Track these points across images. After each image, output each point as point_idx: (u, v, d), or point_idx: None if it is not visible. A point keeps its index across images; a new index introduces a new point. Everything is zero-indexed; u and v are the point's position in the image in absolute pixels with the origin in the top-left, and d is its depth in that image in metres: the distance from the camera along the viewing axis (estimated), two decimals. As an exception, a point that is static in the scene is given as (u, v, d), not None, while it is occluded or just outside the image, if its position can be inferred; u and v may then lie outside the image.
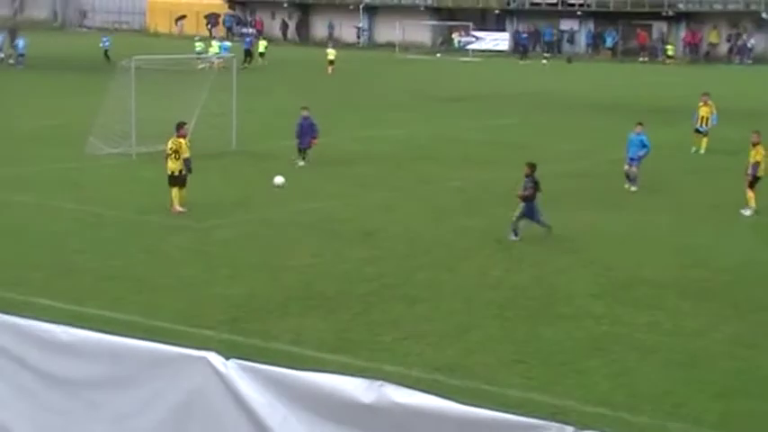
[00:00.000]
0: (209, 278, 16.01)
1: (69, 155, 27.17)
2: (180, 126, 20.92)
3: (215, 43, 62.43)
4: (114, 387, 7.22)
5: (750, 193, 21.66)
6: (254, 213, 20.80)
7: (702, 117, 30.06)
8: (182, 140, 20.55)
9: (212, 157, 25.70)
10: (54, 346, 7.43)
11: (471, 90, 50.63)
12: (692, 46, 76.20)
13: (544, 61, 72.70)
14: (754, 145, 22.01)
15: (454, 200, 22.54)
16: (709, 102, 30.18)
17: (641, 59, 74.85)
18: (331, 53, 59.37)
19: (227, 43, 62.57)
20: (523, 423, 5.75)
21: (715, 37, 75.56)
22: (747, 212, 21.36)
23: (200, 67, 38.55)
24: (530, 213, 18.61)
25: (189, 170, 20.56)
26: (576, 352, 12.84)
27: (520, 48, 76.57)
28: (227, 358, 6.92)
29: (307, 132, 26.27)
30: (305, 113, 26.56)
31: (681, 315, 14.43)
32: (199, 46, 59.66)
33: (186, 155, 20.46)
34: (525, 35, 78.48)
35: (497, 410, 6.07)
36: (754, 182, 21.75)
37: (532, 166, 18.89)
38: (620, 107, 43.65)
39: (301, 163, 26.24)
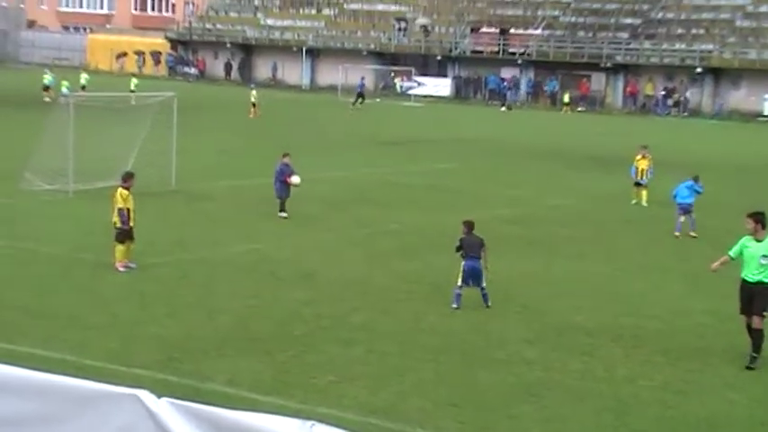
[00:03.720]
0: (144, 317, 15.87)
1: (3, 190, 26.85)
2: (126, 177, 19.26)
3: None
4: (43, 424, 7.12)
5: None
6: (192, 253, 20.70)
7: (641, 170, 30.44)
8: (120, 190, 18.88)
9: (151, 196, 25.55)
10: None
11: (412, 134, 51.04)
12: (630, 97, 77.70)
13: (503, 108, 73.56)
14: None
15: (392, 243, 22.65)
16: (648, 155, 30.59)
17: (580, 109, 76.13)
18: (254, 95, 57.65)
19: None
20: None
21: (650, 89, 77.15)
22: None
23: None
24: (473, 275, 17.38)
25: (123, 222, 18.69)
26: (508, 397, 12.93)
27: (500, 95, 77.46)
28: (160, 397, 6.88)
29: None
30: (286, 160, 25.46)
31: (613, 362, 14.61)
32: (133, 83, 59.81)
33: (119, 205, 18.79)
34: (505, 84, 79.26)
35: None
36: None
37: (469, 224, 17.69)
38: (559, 154, 44.30)
39: (284, 214, 24.99)
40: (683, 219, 25.60)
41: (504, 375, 13.75)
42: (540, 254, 22.34)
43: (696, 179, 26.45)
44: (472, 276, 17.20)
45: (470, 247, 17.32)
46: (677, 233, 25.37)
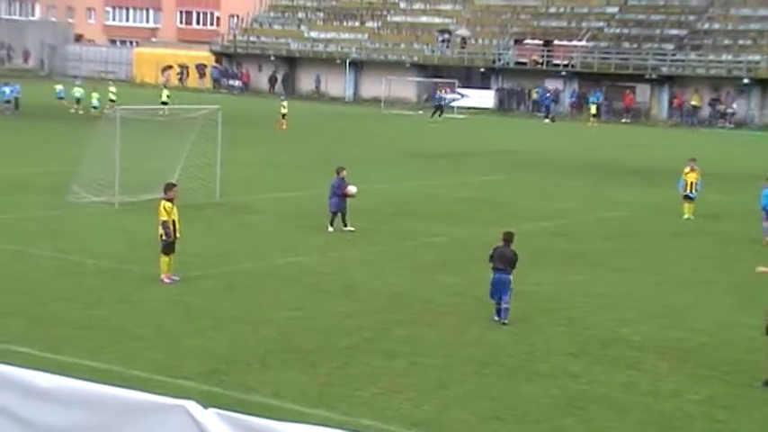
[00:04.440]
0: (189, 329, 16.00)
1: (51, 202, 27.21)
2: (167, 188, 19.26)
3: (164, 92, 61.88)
4: (91, 435, 7.21)
5: None
6: (236, 265, 20.83)
7: (690, 183, 29.95)
8: (164, 203, 18.98)
9: (196, 208, 25.77)
10: (33, 393, 7.44)
11: (455, 147, 51.00)
12: (677, 109, 77.06)
13: (546, 120, 73.31)
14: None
15: (435, 256, 22.64)
16: (696, 167, 30.16)
17: (624, 120, 75.65)
18: (283, 106, 56.98)
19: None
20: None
21: (697, 100, 76.47)
22: None
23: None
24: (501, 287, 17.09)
25: (167, 234, 18.82)
26: (552, 410, 12.88)
27: (544, 107, 77.16)
28: (206, 408, 6.94)
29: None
30: (342, 174, 25.30)
31: (658, 375, 14.50)
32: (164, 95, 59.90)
33: (164, 218, 18.84)
34: (549, 95, 78.90)
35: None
36: None
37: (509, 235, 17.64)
38: (603, 167, 44.05)
39: (350, 227, 25.05)
40: None
41: (548, 388, 13.69)
42: (585, 267, 22.23)
43: None
44: (497, 289, 17.05)
45: (499, 260, 17.19)
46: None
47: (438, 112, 70.54)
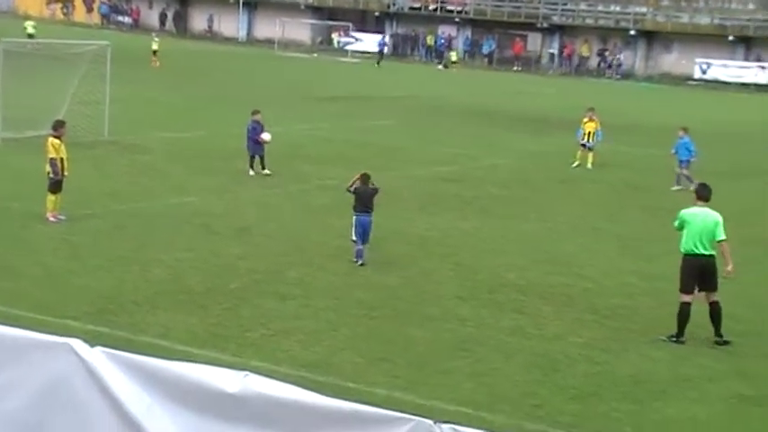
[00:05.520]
0: (77, 269, 15.75)
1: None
2: (57, 125, 18.92)
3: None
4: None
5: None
6: (125, 205, 20.52)
7: (588, 132, 30.45)
8: (52, 140, 18.53)
9: (84, 147, 25.23)
10: None
11: (349, 90, 50.88)
12: (567, 58, 78.16)
13: (440, 66, 73.49)
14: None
15: (327, 199, 22.65)
16: (595, 117, 30.64)
17: (515, 68, 76.47)
18: (156, 42, 55.57)
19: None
20: (385, 416, 5.90)
21: (586, 50, 77.69)
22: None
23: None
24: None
25: (54, 172, 18.35)
26: (440, 352, 13.11)
27: (438, 53, 77.15)
28: (93, 347, 6.88)
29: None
30: (257, 117, 25.10)
31: (543, 319, 14.86)
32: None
33: (52, 155, 18.42)
34: (444, 40, 78.96)
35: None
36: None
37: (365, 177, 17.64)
38: (495, 114, 44.52)
39: (266, 171, 24.78)
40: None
41: (437, 331, 13.92)
42: (476, 213, 22.54)
43: None
44: (363, 230, 17.10)
45: (362, 201, 17.24)
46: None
47: (380, 58, 70.72)
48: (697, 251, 14.05)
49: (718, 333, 14.09)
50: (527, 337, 14.00)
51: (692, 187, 26.16)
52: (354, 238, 17.22)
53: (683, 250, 14.18)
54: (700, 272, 14.12)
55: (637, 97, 60.98)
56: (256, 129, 24.88)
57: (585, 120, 30.50)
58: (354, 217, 17.23)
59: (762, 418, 11.59)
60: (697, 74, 72.74)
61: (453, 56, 74.84)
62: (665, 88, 68.31)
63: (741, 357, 13.66)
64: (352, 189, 17.46)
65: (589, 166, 30.02)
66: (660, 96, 62.10)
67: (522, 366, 12.79)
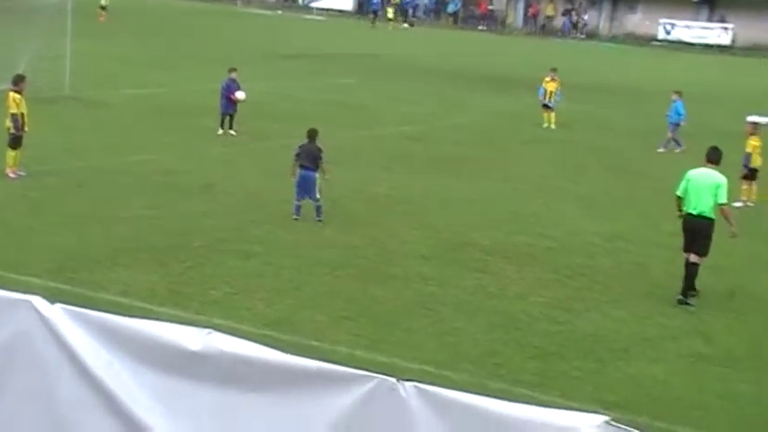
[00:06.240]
0: (37, 225, 15.59)
1: None
2: (18, 79, 18.62)
3: None
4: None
5: (744, 186, 20.97)
6: (87, 161, 20.31)
7: (549, 92, 30.53)
8: (12, 95, 18.31)
9: (44, 102, 24.89)
10: None
11: (313, 48, 50.55)
12: (532, 18, 78.09)
13: (405, 25, 73.05)
14: (749, 135, 21.45)
15: (290, 157, 22.51)
16: (556, 77, 30.73)
17: (480, 28, 76.31)
18: None
19: None
20: (348, 374, 5.90)
21: (551, 10, 77.64)
22: (738, 204, 19.82)
23: None
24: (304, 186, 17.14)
25: (15, 128, 18.23)
26: (403, 311, 13.14)
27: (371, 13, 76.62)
28: (53, 304, 6.81)
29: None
30: (233, 75, 24.73)
31: (505, 278, 14.93)
32: None
33: (13, 110, 18.24)
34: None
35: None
36: (749, 175, 21.13)
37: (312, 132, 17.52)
38: (459, 74, 44.44)
39: (232, 131, 24.60)
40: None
41: (400, 290, 13.95)
42: (440, 172, 22.54)
43: None
44: (304, 187, 17.11)
45: (306, 157, 17.21)
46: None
47: (373, 17, 70.73)
48: (690, 210, 14.18)
49: (683, 293, 14.22)
50: (489, 296, 14.06)
51: (678, 150, 26.53)
52: (295, 193, 17.17)
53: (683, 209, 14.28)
54: (690, 232, 14.24)
55: (601, 58, 61.10)
56: (231, 87, 24.64)
57: (547, 79, 30.62)
58: (298, 172, 17.16)
59: (719, 376, 11.75)
60: (661, 34, 72.97)
61: (390, 12, 74.30)
62: (629, 48, 68.49)
63: (700, 317, 13.81)
64: (297, 148, 17.41)
65: (552, 126, 30.17)
66: (624, 57, 62.27)
67: (484, 326, 12.85)
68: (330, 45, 53.80)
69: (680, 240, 14.57)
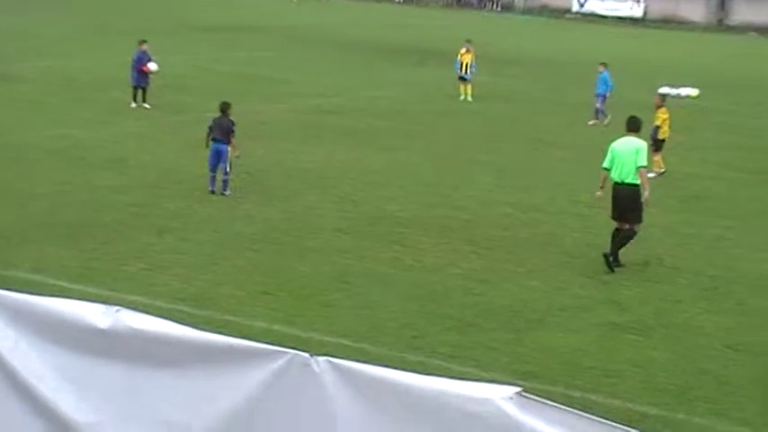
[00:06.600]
0: (-57, 203, 15.21)
1: None
2: None
3: None
4: None
5: (655, 157, 20.93)
6: (-4, 136, 19.86)
7: (465, 64, 30.70)
8: None
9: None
10: None
11: (227, 21, 49.99)
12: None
13: None
14: (657, 108, 21.67)
15: (206, 131, 22.28)
16: (471, 49, 30.90)
17: (398, 0, 76.27)
18: None
19: None
20: (261, 349, 5.86)
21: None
22: (651, 175, 19.11)
23: None
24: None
25: None
26: (321, 285, 13.11)
27: None
28: (-41, 284, 6.66)
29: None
30: (144, 47, 24.40)
31: (422, 251, 14.98)
32: None
33: None
34: None
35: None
36: (657, 146, 21.20)
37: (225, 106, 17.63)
38: (376, 46, 44.37)
39: (146, 105, 24.29)
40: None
41: (318, 264, 13.91)
42: (356, 145, 22.50)
43: None
44: (216, 160, 17.09)
45: (217, 130, 17.21)
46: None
47: None
48: (616, 179, 14.45)
49: (612, 251, 14.48)
50: (406, 268, 14.10)
51: (606, 122, 26.74)
52: (209, 166, 17.09)
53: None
54: (617, 201, 14.52)
55: (516, 30, 61.51)
56: (142, 59, 24.26)
57: (463, 51, 30.82)
58: (211, 145, 17.07)
59: (631, 344, 11.95)
60: (575, 7, 73.72)
61: None
62: (543, 21, 69.07)
63: (614, 286, 14.03)
64: (211, 121, 17.36)
65: (469, 98, 30.35)
66: (539, 29, 62.79)
67: (401, 298, 12.88)
68: (245, 17, 53.24)
69: (597, 211, 14.77)
